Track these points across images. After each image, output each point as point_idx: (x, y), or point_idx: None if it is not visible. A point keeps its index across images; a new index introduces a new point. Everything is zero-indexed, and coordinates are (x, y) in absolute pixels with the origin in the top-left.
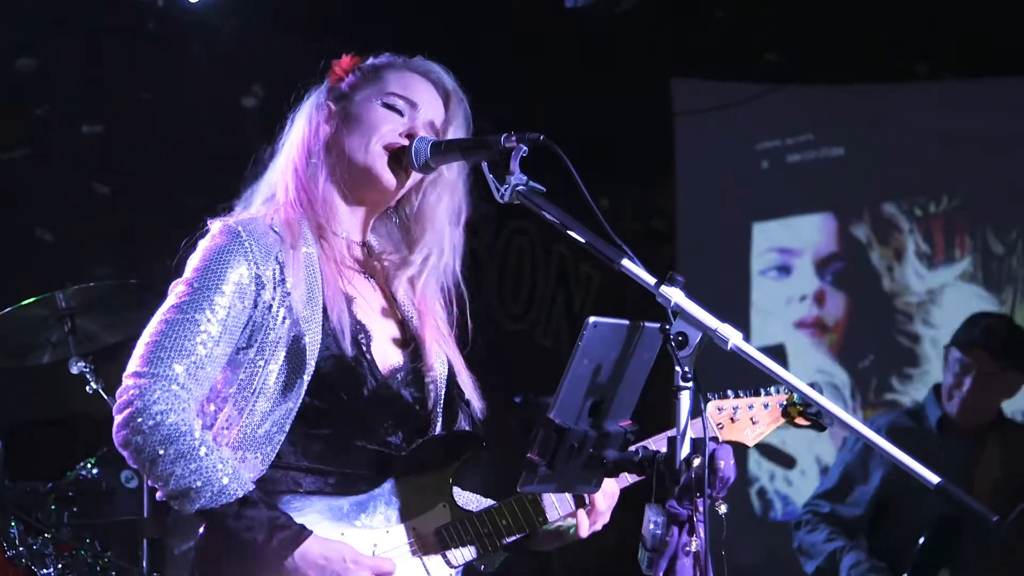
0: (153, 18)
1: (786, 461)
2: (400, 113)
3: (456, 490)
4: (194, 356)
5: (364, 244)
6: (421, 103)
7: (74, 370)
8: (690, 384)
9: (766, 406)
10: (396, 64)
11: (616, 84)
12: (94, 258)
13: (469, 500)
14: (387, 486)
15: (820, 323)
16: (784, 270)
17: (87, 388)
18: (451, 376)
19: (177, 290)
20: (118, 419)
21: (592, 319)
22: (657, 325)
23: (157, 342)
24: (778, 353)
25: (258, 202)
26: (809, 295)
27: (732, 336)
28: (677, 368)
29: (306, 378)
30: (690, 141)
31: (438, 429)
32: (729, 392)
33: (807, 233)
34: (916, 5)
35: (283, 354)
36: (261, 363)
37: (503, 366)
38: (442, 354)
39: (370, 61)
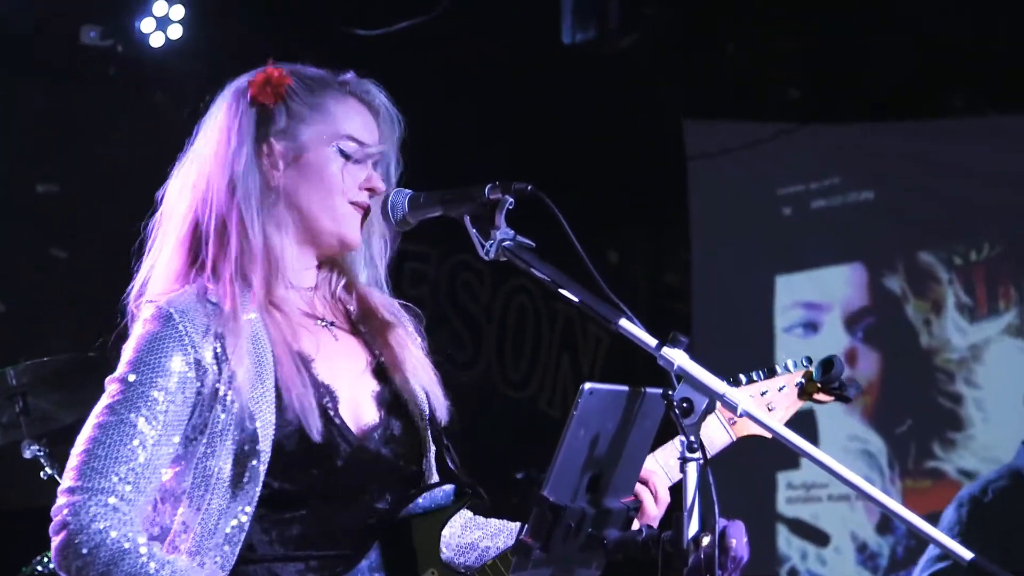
0: (113, 63)
1: (819, 538)
2: (357, 160)
3: (444, 550)
4: (132, 463)
5: (316, 288)
6: (371, 141)
7: (27, 454)
8: (697, 455)
9: (781, 388)
10: (333, 86)
11: (623, 127)
12: (49, 330)
13: (463, 554)
14: (373, 556)
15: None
16: (811, 327)
17: (41, 474)
18: (431, 412)
19: (110, 389)
20: (54, 542)
21: (587, 385)
22: (659, 391)
23: (90, 451)
24: (806, 419)
25: (180, 264)
26: (839, 354)
27: (742, 401)
28: (681, 438)
29: (261, 466)
30: (705, 187)
31: (432, 477)
32: (741, 377)
33: (835, 286)
34: (950, 32)
35: (233, 442)
36: (212, 455)
37: (503, 439)
38: (421, 390)
39: (299, 80)
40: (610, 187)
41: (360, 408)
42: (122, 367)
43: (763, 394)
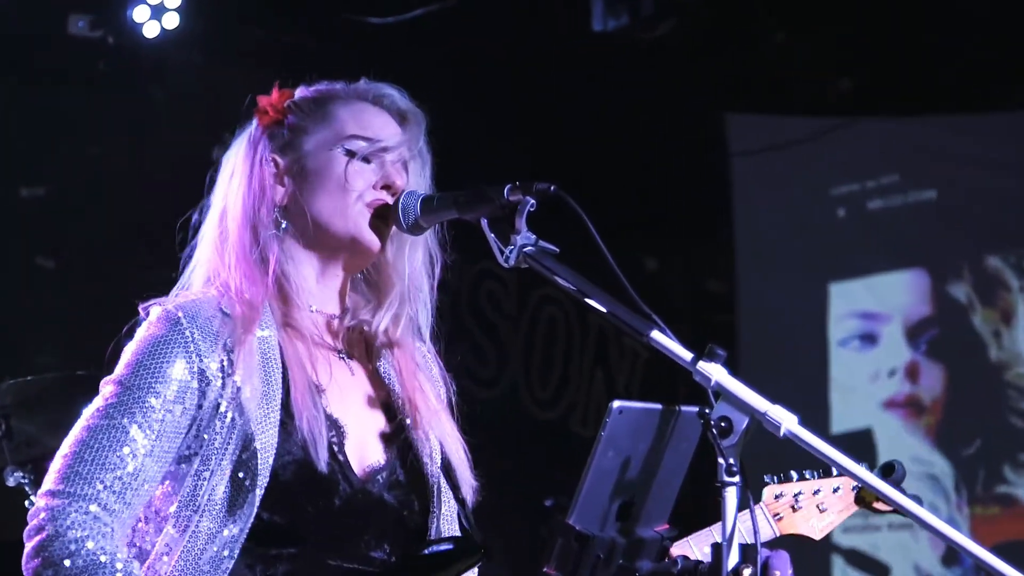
0: (103, 58)
1: (878, 570)
2: (367, 160)
3: None
4: (120, 471)
5: (341, 315)
6: (383, 136)
7: (10, 482)
8: (736, 479)
9: (836, 489)
10: (340, 94)
11: (659, 122)
12: (35, 346)
13: None
14: None
15: (914, 402)
16: (868, 339)
17: (26, 503)
18: (446, 464)
19: (105, 391)
20: (28, 547)
21: (616, 404)
22: (695, 409)
23: (76, 454)
24: (864, 440)
25: (199, 282)
26: (899, 369)
27: (785, 420)
28: (720, 460)
29: (258, 491)
30: (750, 186)
31: (435, 532)
32: (792, 474)
33: (895, 294)
34: (1016, 16)
35: (229, 463)
36: (206, 475)
37: (531, 463)
38: (435, 441)
39: (306, 93)
40: (646, 187)
41: (367, 447)
42: (120, 369)
43: (815, 493)
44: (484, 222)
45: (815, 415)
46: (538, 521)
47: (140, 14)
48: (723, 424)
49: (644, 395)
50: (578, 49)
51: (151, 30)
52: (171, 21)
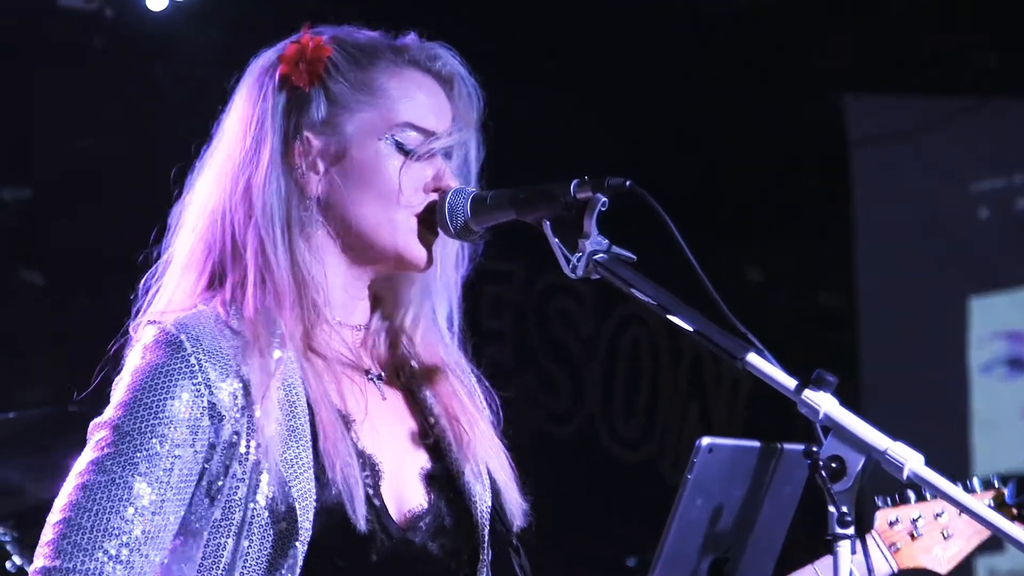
0: (101, 33)
1: None
2: (421, 157)
3: None
4: (127, 536)
5: (368, 327)
6: (439, 128)
7: None
8: (850, 531)
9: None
10: (387, 55)
11: (761, 106)
12: (19, 377)
13: None
14: None
15: None
16: (1018, 365)
17: (7, 565)
18: (496, 503)
19: (98, 438)
20: None
21: (706, 440)
22: (801, 447)
23: (70, 521)
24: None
25: (188, 283)
26: None
27: (910, 460)
28: (831, 509)
29: (300, 548)
30: (873, 182)
31: None
32: (909, 494)
33: None
34: None
35: (263, 519)
36: (229, 533)
37: (612, 513)
38: (484, 473)
39: (342, 51)
40: (747, 185)
41: (406, 488)
42: (113, 410)
43: (937, 516)
44: (547, 225)
45: (953, 456)
46: None
47: None
48: (834, 465)
49: (749, 434)
50: (657, 20)
51: (157, 2)
52: None
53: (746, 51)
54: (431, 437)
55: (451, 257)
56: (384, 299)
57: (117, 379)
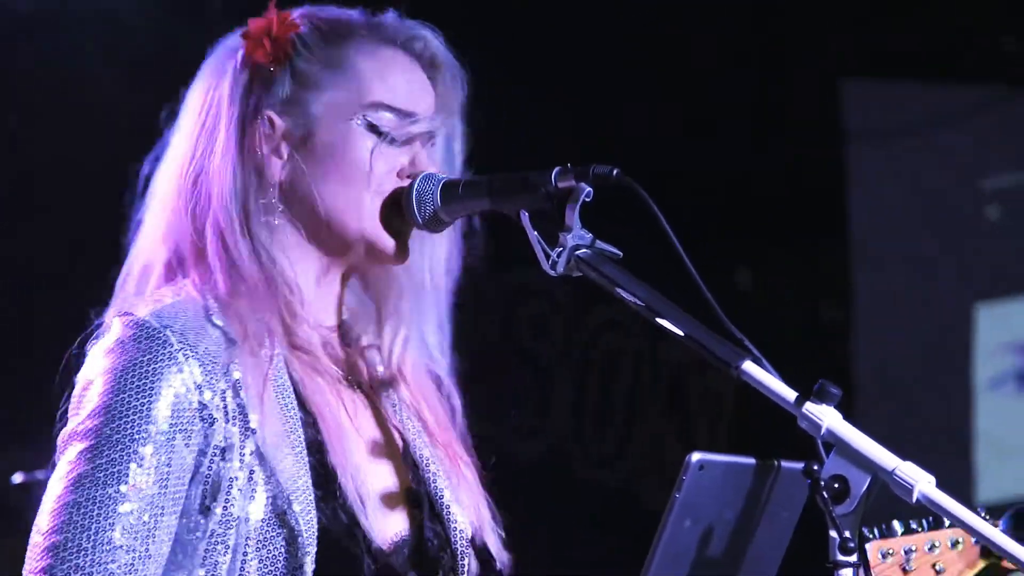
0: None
1: None
2: (395, 140)
3: None
4: (117, 563)
5: (339, 328)
6: (417, 109)
7: None
8: (853, 558)
9: (955, 543)
10: (361, 31)
11: (752, 92)
12: None
13: None
14: None
15: None
16: None
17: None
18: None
19: (71, 452)
20: None
21: (696, 456)
22: (799, 465)
23: (67, 544)
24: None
25: (155, 271)
26: None
27: (920, 480)
28: (832, 534)
29: (309, 566)
30: (873, 178)
31: None
32: (896, 525)
33: None
34: None
35: (261, 534)
36: (225, 549)
37: (585, 537)
38: (463, 495)
39: (312, 28)
40: (738, 180)
41: (388, 508)
42: (85, 415)
43: (930, 549)
44: (525, 216)
45: (956, 479)
46: None
47: None
48: (836, 485)
49: (735, 450)
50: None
51: None
52: None
53: (734, 34)
54: (407, 453)
55: (440, 258)
56: (359, 298)
57: (81, 379)
